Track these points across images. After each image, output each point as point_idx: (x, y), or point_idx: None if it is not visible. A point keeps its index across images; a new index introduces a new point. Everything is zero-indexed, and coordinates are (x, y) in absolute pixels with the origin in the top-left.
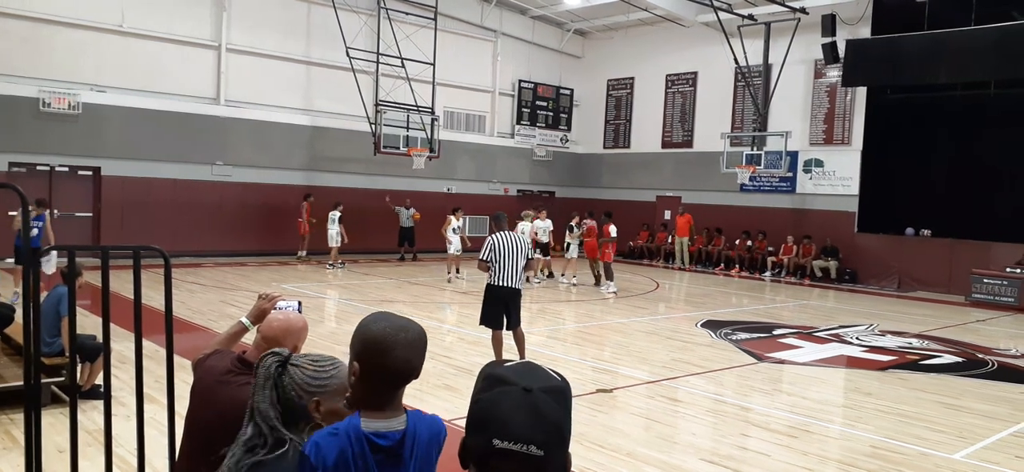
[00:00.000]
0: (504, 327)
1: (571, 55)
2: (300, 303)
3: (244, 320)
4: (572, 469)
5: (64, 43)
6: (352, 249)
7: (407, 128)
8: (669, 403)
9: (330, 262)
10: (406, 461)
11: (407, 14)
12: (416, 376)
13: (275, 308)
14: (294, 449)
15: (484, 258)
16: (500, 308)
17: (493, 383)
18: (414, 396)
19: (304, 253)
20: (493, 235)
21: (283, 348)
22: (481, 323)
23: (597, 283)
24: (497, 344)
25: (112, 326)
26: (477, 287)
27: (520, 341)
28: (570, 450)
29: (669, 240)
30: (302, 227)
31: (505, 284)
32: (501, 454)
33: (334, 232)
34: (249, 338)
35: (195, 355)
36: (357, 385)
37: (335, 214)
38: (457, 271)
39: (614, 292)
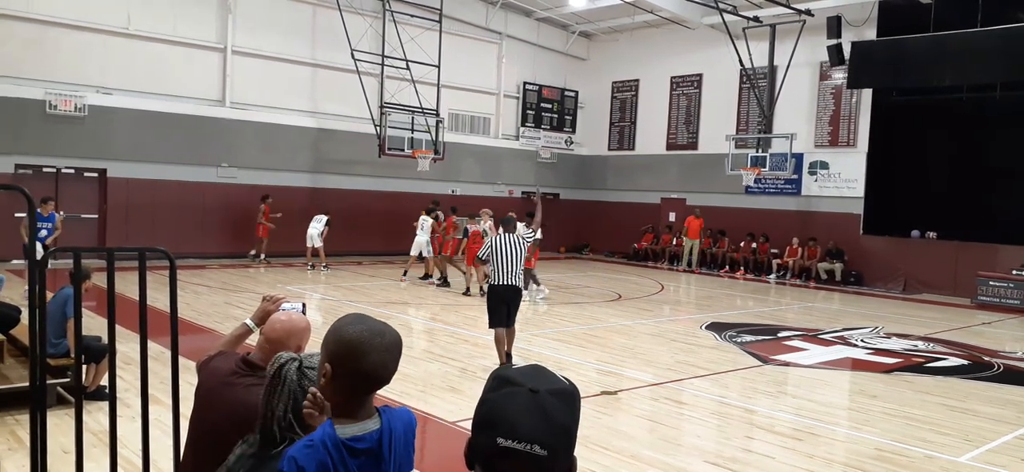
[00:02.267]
0: (506, 325)
1: (576, 57)
2: (304, 305)
3: (248, 322)
4: None
5: (70, 45)
6: (356, 251)
7: (412, 130)
8: (674, 405)
9: (309, 263)
10: (386, 459)
11: (412, 16)
12: (388, 382)
13: (279, 310)
14: None
15: (482, 257)
16: (503, 307)
17: (500, 384)
18: (418, 398)
19: (262, 255)
20: (494, 235)
21: (288, 351)
22: (490, 326)
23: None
24: (499, 342)
25: (117, 328)
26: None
27: (511, 337)
28: (575, 453)
29: (674, 242)
30: (260, 229)
31: (504, 283)
32: (506, 453)
33: (315, 233)
34: (253, 339)
35: (200, 357)
36: (328, 388)
37: (322, 217)
38: (404, 273)
39: (544, 298)
